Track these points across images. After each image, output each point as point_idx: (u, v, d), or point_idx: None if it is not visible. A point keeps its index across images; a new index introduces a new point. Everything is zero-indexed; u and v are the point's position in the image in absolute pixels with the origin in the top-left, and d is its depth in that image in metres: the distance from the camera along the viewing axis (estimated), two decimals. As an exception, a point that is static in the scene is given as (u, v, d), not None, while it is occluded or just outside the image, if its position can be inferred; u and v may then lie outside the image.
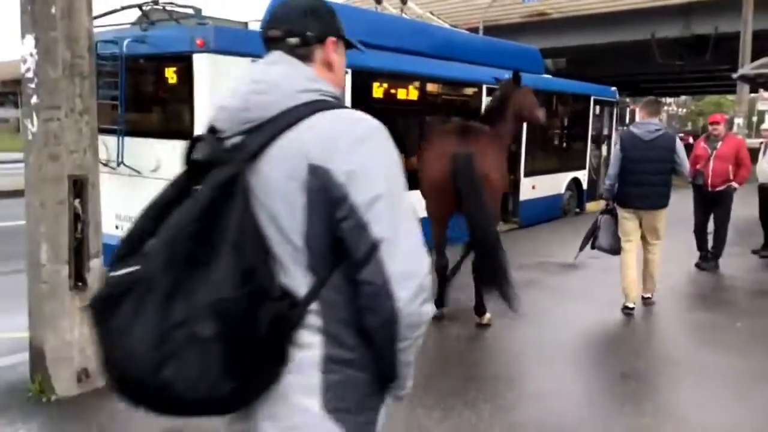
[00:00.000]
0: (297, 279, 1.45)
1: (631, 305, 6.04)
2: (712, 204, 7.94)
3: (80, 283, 4.08)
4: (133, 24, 6.98)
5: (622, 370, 4.72)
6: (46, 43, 3.87)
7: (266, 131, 1.45)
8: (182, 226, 1.37)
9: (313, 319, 1.45)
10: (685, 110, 59.77)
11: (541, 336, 5.39)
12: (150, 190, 6.25)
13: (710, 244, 8.12)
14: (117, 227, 6.65)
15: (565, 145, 12.30)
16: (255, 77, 1.52)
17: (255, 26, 7.35)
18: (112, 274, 1.38)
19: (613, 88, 13.85)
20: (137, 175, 6.51)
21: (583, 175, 12.55)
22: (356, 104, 7.48)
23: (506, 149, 6.28)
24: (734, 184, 7.75)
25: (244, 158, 1.44)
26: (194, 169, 1.46)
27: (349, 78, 7.37)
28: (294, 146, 1.42)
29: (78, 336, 4.08)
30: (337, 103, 1.54)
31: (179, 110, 6.50)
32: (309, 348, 1.44)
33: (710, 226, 8.11)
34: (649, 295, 6.42)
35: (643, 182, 5.90)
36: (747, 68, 11.31)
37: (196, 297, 1.31)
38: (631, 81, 37.69)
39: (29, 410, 3.90)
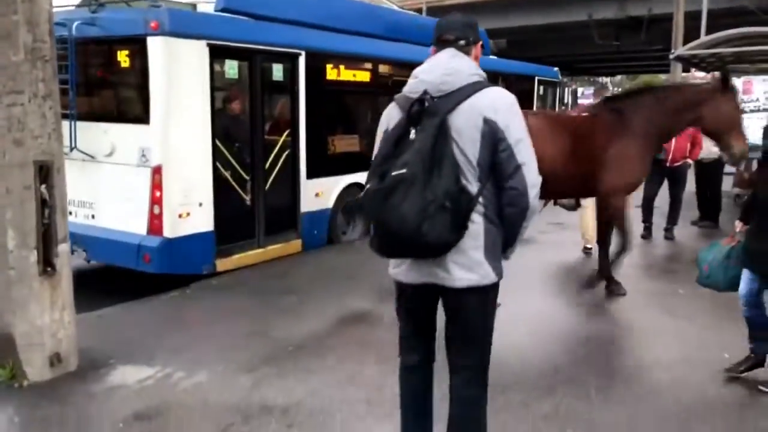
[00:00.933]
0: (472, 184, 2.49)
1: (589, 246, 7.39)
2: (666, 178, 8.45)
3: (49, 268, 4.07)
4: (79, 6, 6.82)
5: (582, 336, 5.01)
6: (6, 26, 3.83)
7: (454, 97, 2.48)
8: (425, 149, 2.39)
9: (480, 207, 2.52)
10: (621, 89, 61.87)
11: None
12: (104, 175, 6.29)
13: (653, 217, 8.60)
14: (71, 213, 6.54)
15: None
16: (446, 65, 2.56)
17: (205, 8, 7.29)
18: (390, 174, 2.39)
19: (556, 69, 14.23)
20: (91, 160, 6.42)
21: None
22: (310, 85, 7.53)
23: (631, 141, 5.77)
24: (689, 161, 8.31)
25: (446, 111, 2.45)
26: (413, 117, 2.46)
27: (302, 60, 7.41)
28: (473, 107, 2.47)
29: (48, 321, 4.08)
30: (489, 83, 2.58)
31: (134, 94, 6.43)
32: (478, 223, 2.52)
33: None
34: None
35: None
36: (683, 49, 11.73)
37: (437, 188, 2.36)
38: (569, 61, 38.45)
39: (1, 396, 3.90)
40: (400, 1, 16.45)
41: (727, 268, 4.27)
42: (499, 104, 2.49)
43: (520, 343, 4.87)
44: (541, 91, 13.26)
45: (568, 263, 7.30)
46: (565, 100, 16.32)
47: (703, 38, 11.72)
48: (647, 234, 8.56)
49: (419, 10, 20.56)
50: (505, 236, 2.60)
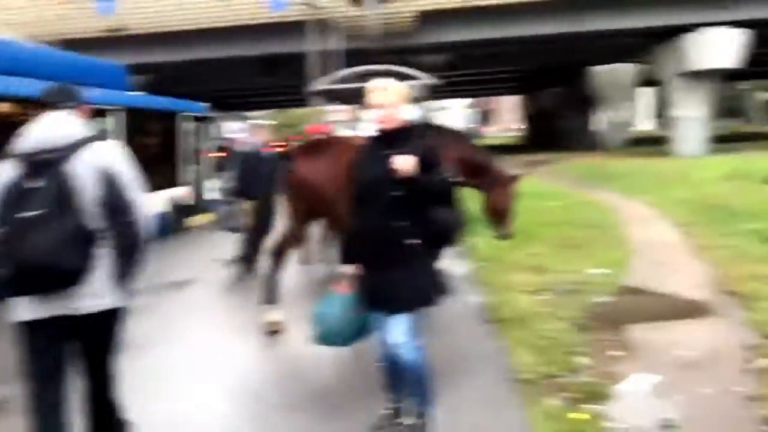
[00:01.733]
0: (96, 220, 2.93)
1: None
2: None
3: None
4: None
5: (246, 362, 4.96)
6: None
7: (69, 150, 2.93)
8: (53, 194, 2.78)
9: (103, 241, 2.96)
10: (275, 122, 63.61)
11: (168, 362, 5.25)
12: None
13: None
14: None
15: (160, 163, 11.88)
16: (57, 124, 3.02)
17: None
18: (16, 216, 2.74)
19: (203, 104, 14.12)
20: None
21: (180, 192, 12.41)
22: None
23: None
24: None
25: (65, 162, 2.88)
26: (33, 169, 2.84)
27: None
28: (89, 157, 2.96)
29: None
30: (98, 137, 3.10)
31: None
32: (102, 255, 2.95)
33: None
34: None
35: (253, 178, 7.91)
36: (318, 85, 12.67)
37: (68, 225, 2.79)
38: (219, 97, 39.15)
39: None
40: (30, 35, 14.95)
41: (350, 322, 3.65)
42: (111, 154, 3.04)
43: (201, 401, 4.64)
44: (187, 127, 12.98)
45: (226, 301, 7.23)
46: (214, 135, 16.33)
47: (336, 74, 12.82)
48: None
49: (48, 44, 18.87)
50: (126, 265, 3.02)
